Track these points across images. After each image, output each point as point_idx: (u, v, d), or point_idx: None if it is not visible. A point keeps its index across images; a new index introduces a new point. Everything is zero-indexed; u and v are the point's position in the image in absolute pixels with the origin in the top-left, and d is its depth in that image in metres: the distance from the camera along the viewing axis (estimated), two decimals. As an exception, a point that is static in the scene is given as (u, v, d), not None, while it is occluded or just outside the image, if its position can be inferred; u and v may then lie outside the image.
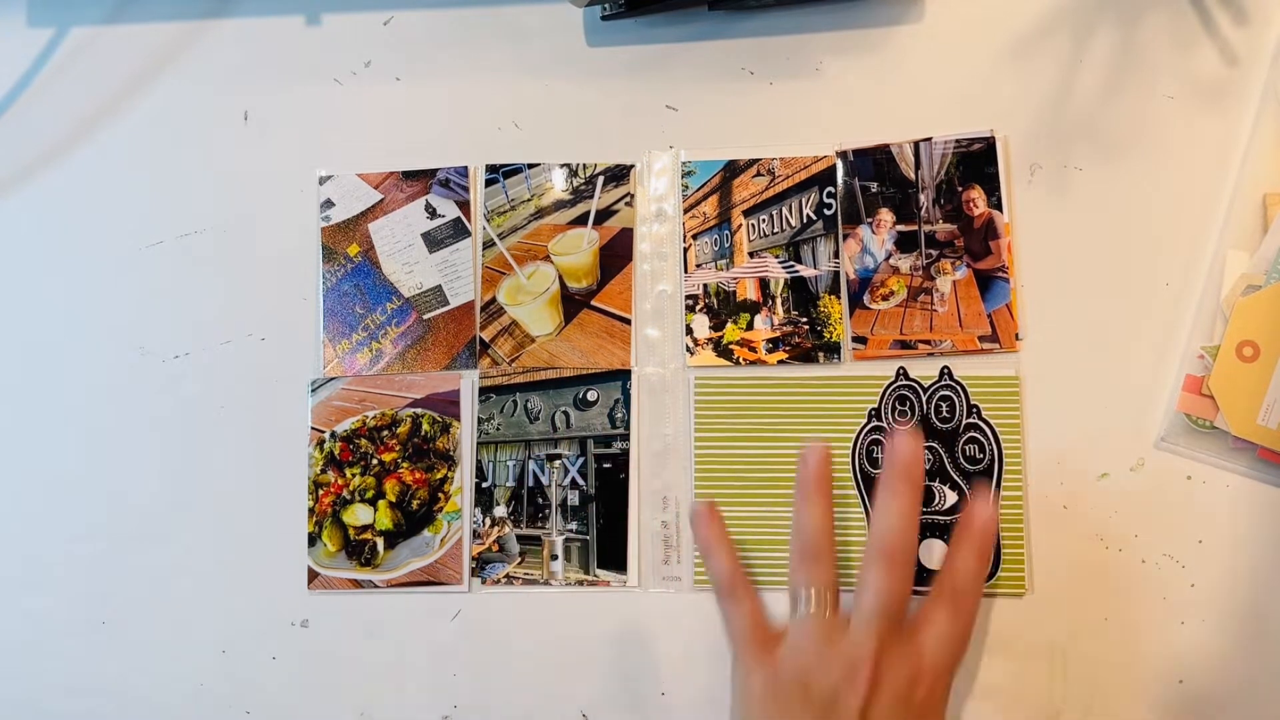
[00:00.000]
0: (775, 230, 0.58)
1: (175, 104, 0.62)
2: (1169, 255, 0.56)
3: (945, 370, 0.55)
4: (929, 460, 0.55)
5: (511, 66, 0.61)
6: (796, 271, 0.57)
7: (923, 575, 0.54)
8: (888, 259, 0.57)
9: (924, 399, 0.55)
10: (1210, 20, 0.58)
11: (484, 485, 0.57)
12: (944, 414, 0.55)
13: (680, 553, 0.56)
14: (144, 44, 0.62)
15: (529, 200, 0.60)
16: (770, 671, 0.48)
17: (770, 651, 0.49)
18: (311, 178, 0.60)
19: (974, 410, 0.55)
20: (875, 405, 0.55)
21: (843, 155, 0.58)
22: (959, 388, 0.55)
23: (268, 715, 0.57)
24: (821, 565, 0.49)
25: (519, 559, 0.56)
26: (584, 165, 0.60)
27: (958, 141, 0.57)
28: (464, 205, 0.60)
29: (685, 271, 0.58)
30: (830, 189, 0.58)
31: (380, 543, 0.57)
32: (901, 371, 0.56)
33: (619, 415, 0.57)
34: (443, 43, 0.61)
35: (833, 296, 0.57)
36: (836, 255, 0.57)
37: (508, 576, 0.56)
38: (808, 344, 0.57)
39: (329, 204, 0.60)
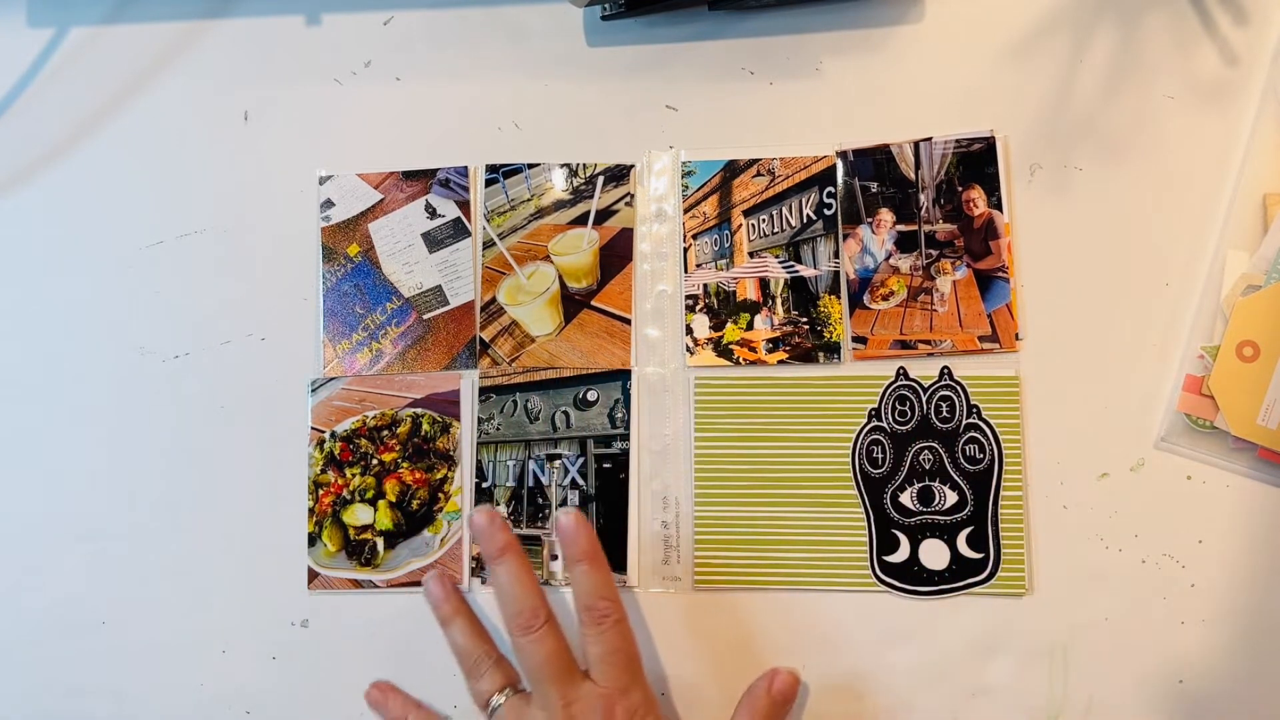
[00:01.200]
0: (775, 230, 0.58)
1: (175, 104, 0.62)
2: (1169, 255, 0.56)
3: (945, 370, 0.55)
4: (930, 460, 0.55)
5: (511, 66, 0.61)
6: (796, 271, 0.57)
7: (926, 577, 0.54)
8: (888, 259, 0.57)
9: (924, 399, 0.55)
10: (1210, 20, 0.58)
11: (484, 485, 0.57)
12: (944, 414, 0.55)
13: (680, 553, 0.56)
14: (144, 44, 0.62)
15: (529, 200, 0.60)
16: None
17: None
18: (311, 178, 0.60)
19: (974, 410, 0.55)
20: (875, 405, 0.55)
21: (843, 155, 0.58)
22: (959, 388, 0.55)
23: (268, 715, 0.57)
24: (487, 673, 0.52)
25: (519, 559, 0.56)
26: (584, 165, 0.60)
27: (958, 141, 0.57)
28: (464, 205, 0.60)
29: (685, 271, 0.58)
30: (830, 189, 0.58)
31: (380, 543, 0.57)
32: (901, 371, 0.56)
33: (619, 415, 0.57)
34: (443, 43, 0.61)
35: (833, 296, 0.57)
36: (836, 255, 0.57)
37: (508, 576, 0.56)
38: (808, 344, 0.57)
39: (329, 204, 0.60)
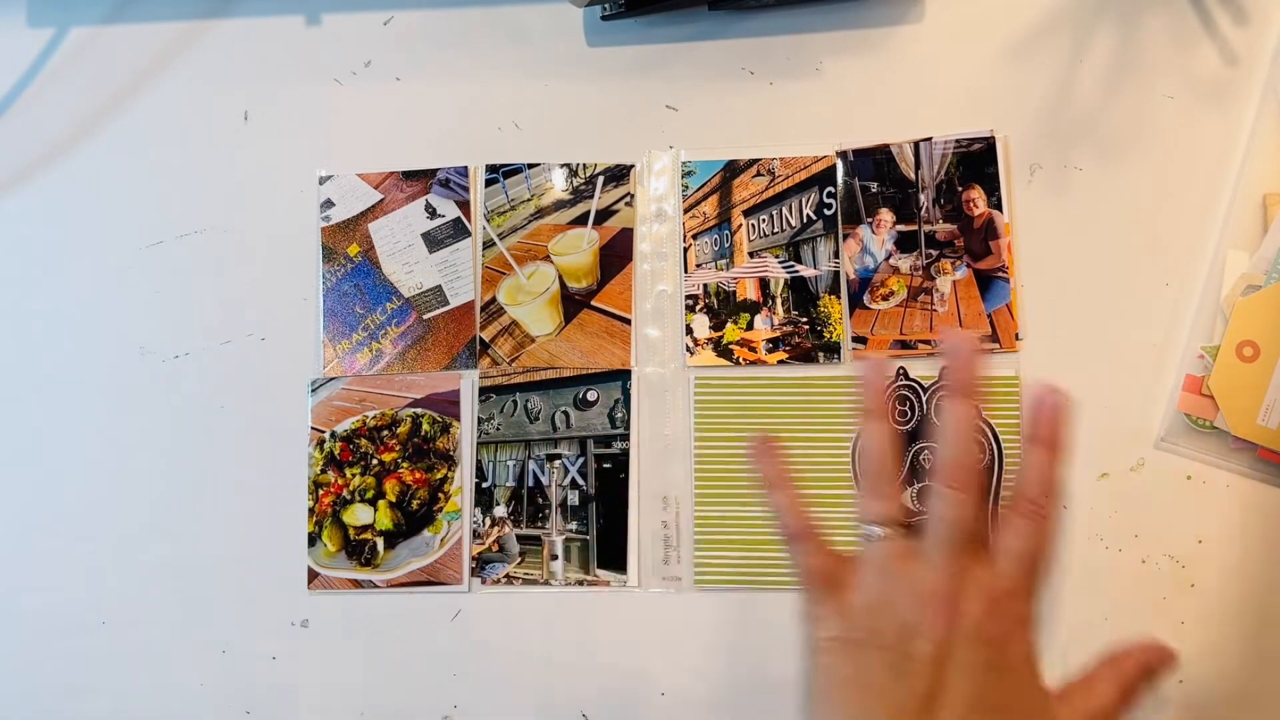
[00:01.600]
0: (775, 230, 0.58)
1: (175, 104, 0.62)
2: (1169, 255, 0.56)
3: (946, 370, 0.55)
4: (930, 460, 0.55)
5: (511, 66, 0.61)
6: (796, 271, 0.57)
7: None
8: (888, 259, 0.57)
9: (924, 399, 0.55)
10: (1210, 20, 0.58)
11: (484, 485, 0.57)
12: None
13: (680, 553, 0.56)
14: (144, 44, 0.62)
15: (529, 200, 0.60)
16: (837, 618, 0.43)
17: (838, 596, 0.43)
18: (311, 178, 0.60)
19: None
20: None
21: (843, 155, 0.58)
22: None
23: (268, 715, 0.57)
24: (888, 497, 0.44)
25: (519, 559, 0.56)
26: (584, 165, 0.60)
27: (958, 141, 0.57)
28: (464, 205, 0.60)
29: (685, 271, 0.58)
30: (830, 189, 0.58)
31: (380, 543, 0.57)
32: (902, 371, 0.55)
33: (619, 415, 0.57)
34: (443, 43, 0.61)
35: (832, 296, 0.57)
36: (836, 255, 0.57)
37: (508, 576, 0.56)
38: (807, 344, 0.57)
39: (329, 204, 0.60)
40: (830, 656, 0.42)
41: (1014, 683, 0.40)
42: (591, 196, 0.59)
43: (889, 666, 0.41)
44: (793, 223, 0.58)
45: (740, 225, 0.58)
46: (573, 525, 0.57)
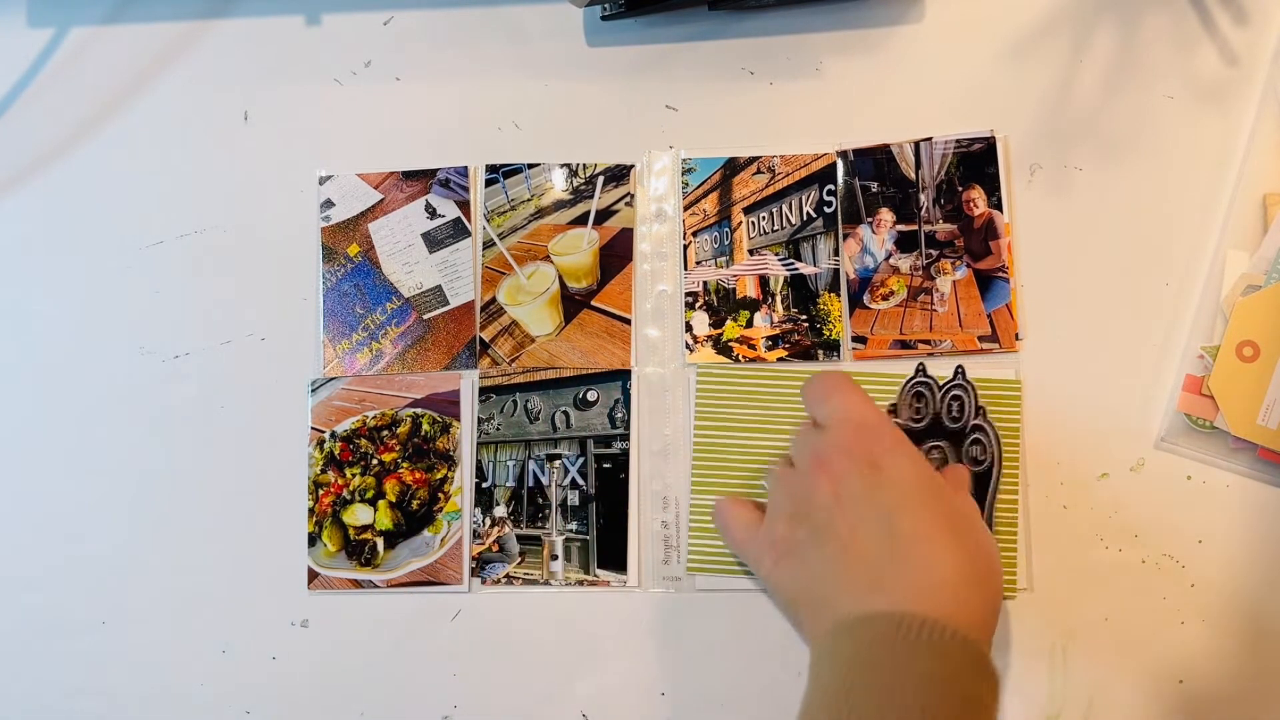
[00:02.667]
0: (775, 228, 0.58)
1: (175, 104, 0.62)
2: (1169, 255, 0.56)
3: (960, 370, 0.55)
4: (938, 460, 0.54)
5: (511, 66, 0.61)
6: (796, 269, 0.57)
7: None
8: (888, 259, 0.57)
9: (937, 397, 0.55)
10: (1210, 20, 0.58)
11: (484, 485, 0.57)
12: (954, 413, 0.55)
13: (680, 553, 0.56)
14: (144, 44, 0.62)
15: (529, 200, 0.60)
16: (765, 538, 0.49)
17: (761, 529, 0.50)
18: (311, 178, 0.61)
19: (980, 411, 0.55)
20: (894, 401, 0.55)
21: (843, 155, 0.58)
22: (969, 388, 0.55)
23: (268, 715, 0.57)
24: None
25: (519, 559, 0.56)
26: (584, 165, 0.60)
27: (958, 141, 0.57)
28: (464, 205, 0.60)
29: (685, 269, 0.58)
30: (830, 186, 0.58)
31: (380, 543, 0.57)
32: (920, 368, 0.55)
33: (619, 415, 0.57)
34: (443, 43, 0.61)
35: (832, 294, 0.57)
36: (836, 253, 0.57)
37: (508, 576, 0.56)
38: (807, 341, 0.57)
39: (329, 204, 0.60)
40: (779, 573, 0.48)
41: (907, 479, 0.46)
42: (591, 196, 0.59)
43: (812, 535, 0.46)
44: (793, 220, 0.58)
45: (740, 223, 0.58)
46: (573, 525, 0.57)
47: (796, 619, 0.48)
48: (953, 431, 0.55)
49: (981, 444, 0.54)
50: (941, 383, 0.55)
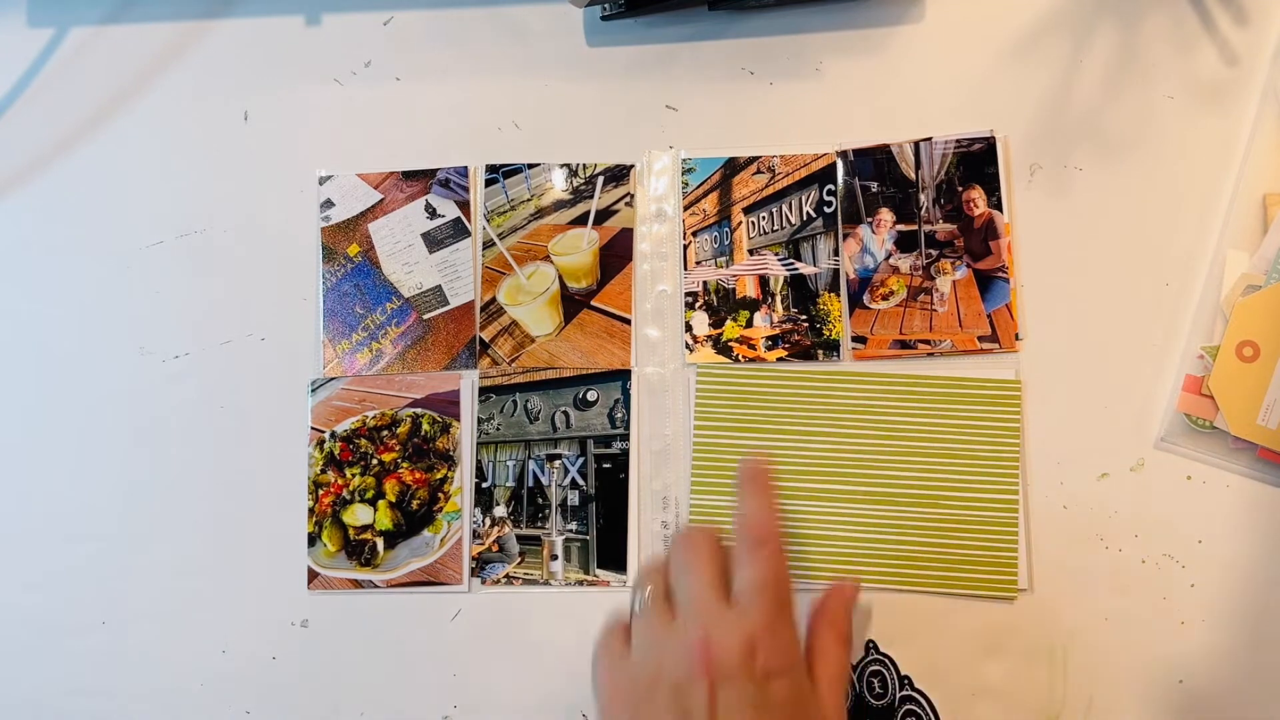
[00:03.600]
0: (775, 228, 0.58)
1: (175, 104, 0.62)
2: (1169, 255, 0.56)
3: (871, 644, 0.54)
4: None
5: (511, 66, 0.61)
6: (796, 269, 0.57)
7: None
8: (888, 259, 0.57)
9: (898, 675, 0.53)
10: (1210, 20, 0.58)
11: (484, 485, 0.57)
12: (877, 690, 0.53)
13: (680, 553, 0.56)
14: (144, 44, 0.62)
15: (529, 200, 0.60)
16: (627, 687, 0.45)
17: (625, 646, 0.46)
18: (311, 178, 0.61)
19: (906, 681, 0.53)
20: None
21: (843, 155, 0.58)
22: (888, 661, 0.53)
23: (268, 715, 0.57)
24: (656, 570, 0.47)
25: (519, 559, 0.56)
26: (584, 165, 0.60)
27: (958, 141, 0.57)
28: (464, 205, 0.60)
29: (685, 269, 0.58)
30: (830, 186, 0.58)
31: (380, 543, 0.57)
32: (871, 645, 0.54)
33: (619, 415, 0.57)
34: (443, 43, 0.61)
35: (832, 294, 0.57)
36: (836, 253, 0.57)
37: (508, 576, 0.56)
38: (807, 341, 0.57)
39: (329, 204, 0.60)
40: (619, 707, 0.44)
41: (786, 704, 0.43)
42: (591, 196, 0.59)
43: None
44: (792, 220, 0.58)
45: (740, 223, 0.58)
46: (573, 525, 0.56)
47: None
48: (879, 710, 0.53)
49: (918, 715, 0.53)
50: (856, 662, 0.53)
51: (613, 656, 0.46)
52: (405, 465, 0.58)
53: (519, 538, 0.57)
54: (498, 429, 0.58)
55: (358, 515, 0.57)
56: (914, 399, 0.55)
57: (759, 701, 0.42)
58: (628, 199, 0.59)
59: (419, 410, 0.58)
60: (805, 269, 0.57)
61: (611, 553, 0.56)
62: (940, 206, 0.57)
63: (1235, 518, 0.54)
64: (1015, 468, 0.54)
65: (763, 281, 0.58)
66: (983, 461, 0.55)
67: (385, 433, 0.58)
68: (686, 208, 0.59)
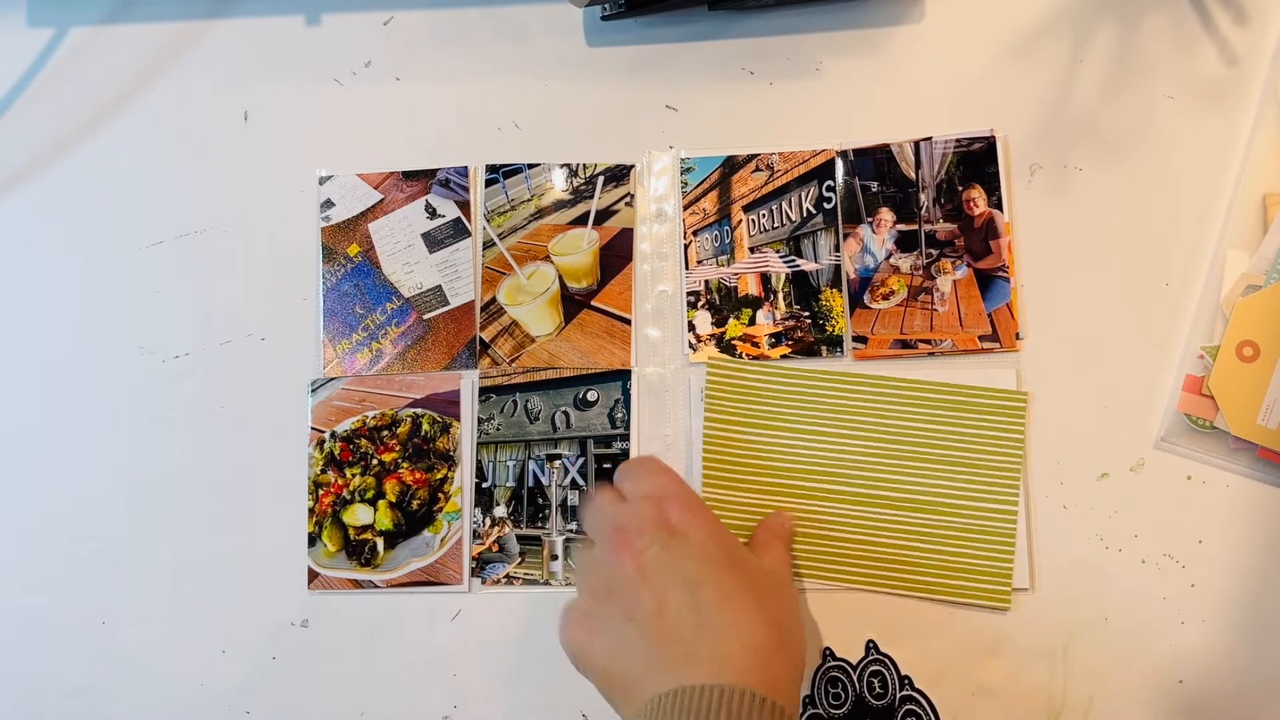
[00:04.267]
0: (775, 225, 0.58)
1: (175, 104, 0.62)
2: (1169, 255, 0.56)
3: (871, 644, 0.54)
4: None
5: (511, 66, 0.61)
6: (797, 266, 0.57)
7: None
8: (888, 258, 0.57)
9: (854, 677, 0.53)
10: (1210, 20, 0.58)
11: (484, 485, 0.57)
12: (877, 690, 0.53)
13: (680, 552, 0.56)
14: (144, 44, 0.62)
15: (529, 200, 0.60)
16: (578, 613, 0.48)
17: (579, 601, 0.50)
18: (311, 178, 0.60)
19: (906, 681, 0.53)
20: (808, 693, 0.53)
21: (843, 155, 0.58)
22: (888, 661, 0.53)
23: (268, 715, 0.57)
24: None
25: (519, 559, 0.56)
26: (584, 165, 0.60)
27: (958, 141, 0.57)
28: (464, 205, 0.60)
29: (686, 268, 0.58)
30: (829, 182, 0.58)
31: (380, 543, 0.57)
32: (828, 652, 0.54)
33: (619, 415, 0.57)
34: (443, 43, 0.61)
35: (834, 290, 0.57)
36: (837, 249, 0.57)
37: (508, 576, 0.56)
38: (810, 337, 0.57)
39: (329, 204, 0.60)
40: (592, 649, 0.47)
41: (706, 545, 0.46)
42: (591, 196, 0.59)
43: (621, 610, 0.46)
44: (793, 217, 0.58)
45: (740, 221, 0.58)
46: (573, 525, 0.56)
47: (609, 694, 0.46)
48: (880, 710, 0.53)
49: (918, 715, 0.53)
50: (857, 662, 0.54)
51: (569, 610, 0.49)
52: (405, 465, 0.58)
53: (519, 538, 0.57)
54: (498, 429, 0.58)
55: (358, 515, 0.57)
56: (921, 405, 0.55)
57: (679, 548, 0.46)
58: (628, 199, 0.59)
59: (419, 410, 0.58)
60: (806, 265, 0.57)
61: (612, 553, 0.56)
62: (940, 206, 0.57)
63: (1235, 518, 0.54)
64: (1016, 479, 0.54)
65: (764, 279, 0.58)
66: (985, 471, 0.54)
67: (385, 433, 0.58)
68: (686, 207, 0.59)
